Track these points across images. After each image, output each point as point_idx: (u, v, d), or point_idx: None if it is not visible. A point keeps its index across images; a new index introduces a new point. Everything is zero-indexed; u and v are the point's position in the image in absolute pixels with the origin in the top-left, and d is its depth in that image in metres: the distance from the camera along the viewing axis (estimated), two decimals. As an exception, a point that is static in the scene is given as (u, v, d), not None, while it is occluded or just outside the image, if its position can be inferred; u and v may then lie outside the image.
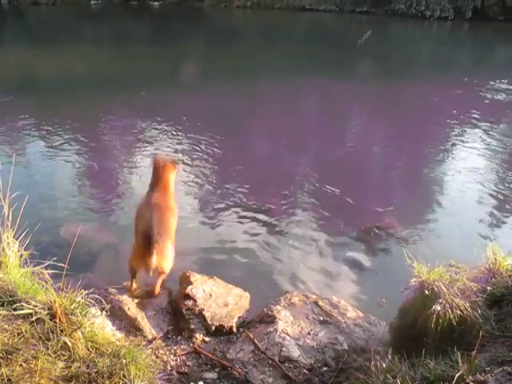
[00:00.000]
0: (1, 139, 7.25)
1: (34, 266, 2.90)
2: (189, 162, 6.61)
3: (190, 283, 3.54)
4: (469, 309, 2.58)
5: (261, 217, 5.27)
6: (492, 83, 11.59)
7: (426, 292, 2.69)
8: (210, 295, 3.51)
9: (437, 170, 6.76)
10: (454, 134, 8.24)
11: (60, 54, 14.45)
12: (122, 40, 17.83)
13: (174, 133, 7.69)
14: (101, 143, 7.13)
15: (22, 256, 2.90)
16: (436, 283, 2.70)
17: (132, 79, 11.32)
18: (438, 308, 2.60)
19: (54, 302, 2.41)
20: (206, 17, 26.80)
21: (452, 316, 2.57)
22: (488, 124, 8.61)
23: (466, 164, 6.91)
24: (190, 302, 3.41)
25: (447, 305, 2.60)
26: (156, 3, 29.19)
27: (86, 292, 2.79)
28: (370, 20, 24.53)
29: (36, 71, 12.40)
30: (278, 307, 3.38)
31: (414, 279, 2.78)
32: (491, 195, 5.96)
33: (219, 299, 3.50)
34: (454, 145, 7.85)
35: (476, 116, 9.09)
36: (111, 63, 13.26)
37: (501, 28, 21.85)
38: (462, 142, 7.88)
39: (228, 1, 27.76)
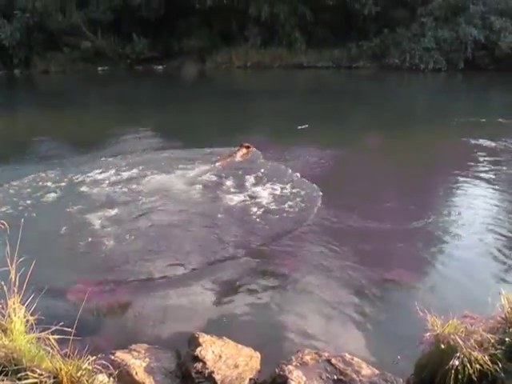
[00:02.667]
0: (9, 202, 7.34)
1: (40, 332, 2.86)
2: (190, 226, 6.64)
3: (199, 345, 3.45)
4: (488, 362, 2.49)
5: (268, 272, 5.22)
6: (489, 128, 11.81)
7: (442, 346, 2.62)
8: (220, 357, 3.41)
9: (442, 219, 6.73)
10: (456, 182, 8.26)
11: (66, 117, 15.01)
12: (128, 102, 18.48)
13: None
14: (106, 207, 7.18)
15: (28, 321, 2.86)
16: (451, 336, 2.62)
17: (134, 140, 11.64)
18: (456, 363, 2.52)
19: (60, 369, 2.36)
20: (207, 77, 27.82)
21: (471, 371, 2.48)
22: (490, 171, 8.66)
23: (472, 212, 6.88)
24: (199, 365, 3.31)
25: (465, 359, 2.52)
26: (160, 67, 30.46)
27: (93, 357, 2.74)
28: (365, 74, 25.39)
29: (42, 132, 12.75)
30: (290, 367, 3.27)
31: (428, 333, 2.71)
32: (501, 243, 5.88)
33: (229, 360, 3.40)
34: (456, 193, 7.88)
35: (478, 163, 9.17)
36: (115, 124, 13.63)
37: (492, 76, 22.60)
38: (465, 189, 7.90)
39: (229, 62, 28.92)
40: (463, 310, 3.03)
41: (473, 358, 2.50)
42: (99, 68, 30.46)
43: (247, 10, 28.38)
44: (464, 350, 2.53)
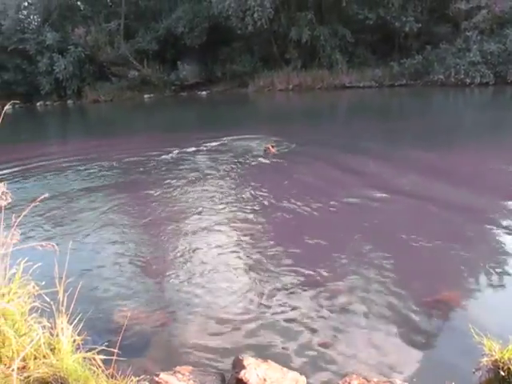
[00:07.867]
0: (58, 225, 7.62)
1: (87, 352, 2.91)
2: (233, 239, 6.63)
3: (244, 367, 3.39)
4: (554, 392, 2.29)
5: (313, 293, 5.09)
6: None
7: (502, 373, 2.43)
8: (265, 380, 3.33)
9: (498, 237, 6.39)
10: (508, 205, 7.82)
11: (113, 143, 15.63)
12: (174, 127, 19.08)
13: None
14: (154, 231, 7.31)
15: (74, 341, 2.92)
16: (512, 362, 2.44)
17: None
18: (518, 391, 2.33)
19: (105, 389, 2.37)
20: (251, 101, 28.28)
21: (535, 401, 2.28)
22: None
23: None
24: (243, 388, 3.25)
25: (528, 387, 2.33)
26: (203, 93, 31.31)
27: (137, 379, 2.75)
28: (409, 92, 24.98)
29: (98, 159, 13.25)
30: (337, 392, 3.15)
31: (485, 358, 2.53)
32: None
33: (274, 384, 3.31)
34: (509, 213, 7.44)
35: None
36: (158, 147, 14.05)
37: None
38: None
39: (271, 85, 29.35)
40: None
41: (537, 387, 2.31)
42: (145, 96, 31.72)
43: (288, 33, 28.83)
44: (526, 377, 2.35)
